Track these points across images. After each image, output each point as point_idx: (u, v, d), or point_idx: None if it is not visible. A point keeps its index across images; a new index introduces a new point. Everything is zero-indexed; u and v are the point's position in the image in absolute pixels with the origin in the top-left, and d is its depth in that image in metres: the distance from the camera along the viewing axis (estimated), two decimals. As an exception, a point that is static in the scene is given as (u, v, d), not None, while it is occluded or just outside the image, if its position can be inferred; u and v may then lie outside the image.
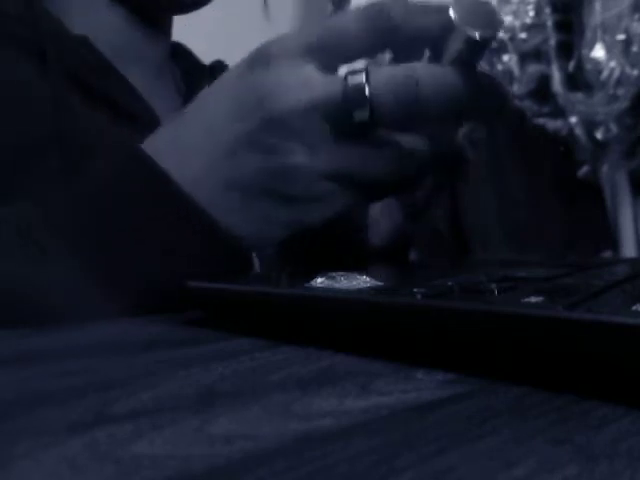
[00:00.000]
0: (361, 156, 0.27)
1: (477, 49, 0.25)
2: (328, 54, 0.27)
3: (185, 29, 0.55)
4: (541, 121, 1.14)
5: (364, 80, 0.25)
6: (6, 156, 0.35)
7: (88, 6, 0.44)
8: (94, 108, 0.40)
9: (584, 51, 1.07)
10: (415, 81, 0.25)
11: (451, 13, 0.24)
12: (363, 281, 0.20)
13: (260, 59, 0.28)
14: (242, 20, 1.40)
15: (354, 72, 0.26)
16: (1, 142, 0.35)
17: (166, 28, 0.50)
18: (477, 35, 0.24)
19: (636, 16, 1.03)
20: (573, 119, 1.11)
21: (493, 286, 0.17)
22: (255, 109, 0.27)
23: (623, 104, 1.05)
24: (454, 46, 0.25)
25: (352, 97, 0.25)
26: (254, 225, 0.28)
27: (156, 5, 0.46)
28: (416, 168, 0.29)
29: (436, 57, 0.27)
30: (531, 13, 1.13)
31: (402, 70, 0.26)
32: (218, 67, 0.53)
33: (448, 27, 0.25)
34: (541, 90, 1.14)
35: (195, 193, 0.27)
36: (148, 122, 0.42)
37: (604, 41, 1.04)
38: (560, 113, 1.13)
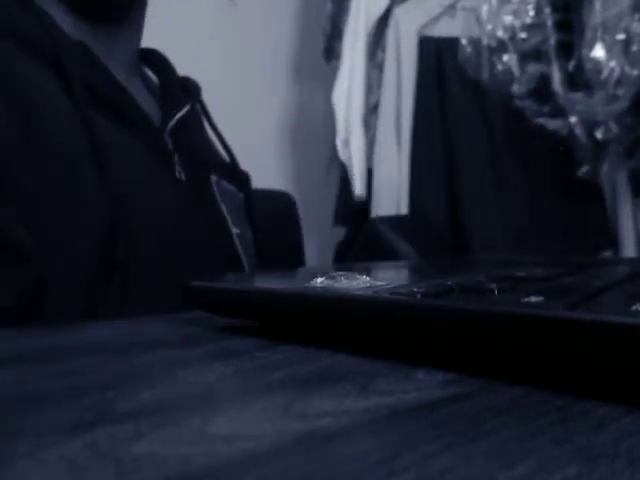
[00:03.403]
0: None
1: None
2: None
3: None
4: (541, 121, 1.14)
5: None
6: (42, 171, 0.35)
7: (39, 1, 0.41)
8: (105, 117, 0.39)
9: (584, 51, 1.07)
10: None
11: None
12: (363, 281, 0.20)
13: None
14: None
15: None
16: (38, 159, 0.35)
17: (129, 25, 0.47)
18: None
19: (636, 16, 1.03)
20: (573, 119, 1.10)
21: (493, 286, 0.17)
22: None
23: (623, 104, 1.05)
24: None
25: None
26: None
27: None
28: None
29: None
30: (531, 13, 1.13)
31: None
32: (192, 85, 0.53)
33: None
34: (541, 90, 1.14)
35: None
36: (147, 129, 0.43)
37: (604, 41, 1.04)
38: (560, 113, 1.13)
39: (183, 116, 0.47)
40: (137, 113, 0.43)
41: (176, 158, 0.45)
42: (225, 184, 0.51)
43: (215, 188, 0.49)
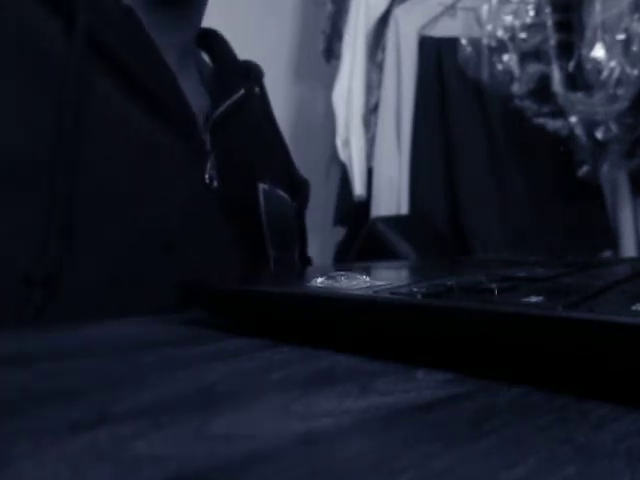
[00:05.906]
0: None
1: None
2: None
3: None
4: (541, 121, 1.14)
5: None
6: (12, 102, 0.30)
7: None
8: (125, 92, 0.34)
9: (584, 51, 1.07)
10: None
11: None
12: (363, 281, 0.20)
13: None
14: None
15: None
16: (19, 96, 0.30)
17: (190, 12, 0.43)
18: None
19: (636, 16, 1.03)
20: (573, 119, 1.11)
21: (493, 286, 0.17)
22: None
23: (623, 104, 1.05)
24: None
25: None
26: None
27: None
28: None
29: None
30: (531, 13, 1.13)
31: None
32: (253, 69, 0.48)
33: None
34: (541, 90, 1.14)
35: None
36: (183, 120, 0.37)
37: (604, 41, 1.04)
38: (560, 113, 1.13)
39: (233, 105, 0.40)
40: (176, 101, 0.36)
41: (211, 161, 0.37)
42: (279, 193, 0.44)
43: (262, 198, 0.41)
